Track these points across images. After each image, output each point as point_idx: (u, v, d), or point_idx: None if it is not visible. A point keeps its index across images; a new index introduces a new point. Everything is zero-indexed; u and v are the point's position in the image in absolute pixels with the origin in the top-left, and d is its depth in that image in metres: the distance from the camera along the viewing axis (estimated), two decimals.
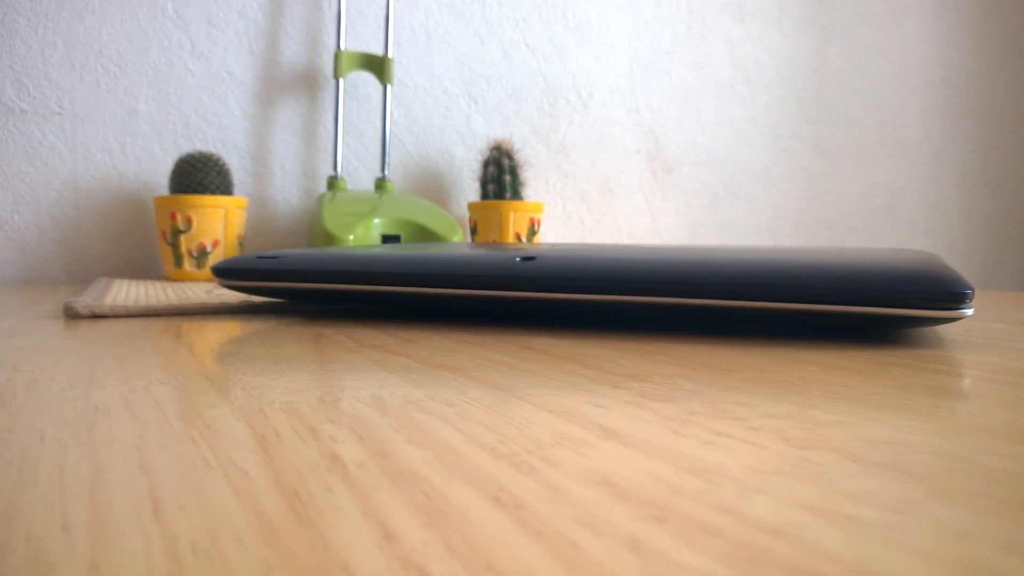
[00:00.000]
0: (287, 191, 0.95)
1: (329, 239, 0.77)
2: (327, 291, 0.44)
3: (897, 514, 0.13)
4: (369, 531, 0.12)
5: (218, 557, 0.11)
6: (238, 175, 0.93)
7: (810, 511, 0.13)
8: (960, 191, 1.38)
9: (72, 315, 0.46)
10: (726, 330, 0.38)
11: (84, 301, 0.47)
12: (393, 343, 0.34)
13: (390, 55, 0.94)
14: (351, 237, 0.78)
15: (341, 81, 0.92)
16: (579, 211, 1.11)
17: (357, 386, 0.24)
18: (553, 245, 0.51)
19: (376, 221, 0.80)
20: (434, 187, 1.02)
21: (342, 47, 0.92)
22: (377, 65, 0.93)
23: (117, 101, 0.87)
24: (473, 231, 0.96)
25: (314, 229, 0.82)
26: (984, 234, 1.41)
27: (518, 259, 0.40)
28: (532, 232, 0.95)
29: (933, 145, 1.35)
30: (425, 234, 0.82)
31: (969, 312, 0.32)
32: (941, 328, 0.39)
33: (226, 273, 0.47)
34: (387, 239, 0.82)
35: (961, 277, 0.32)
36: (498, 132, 1.05)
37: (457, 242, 0.82)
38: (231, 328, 0.40)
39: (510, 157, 0.95)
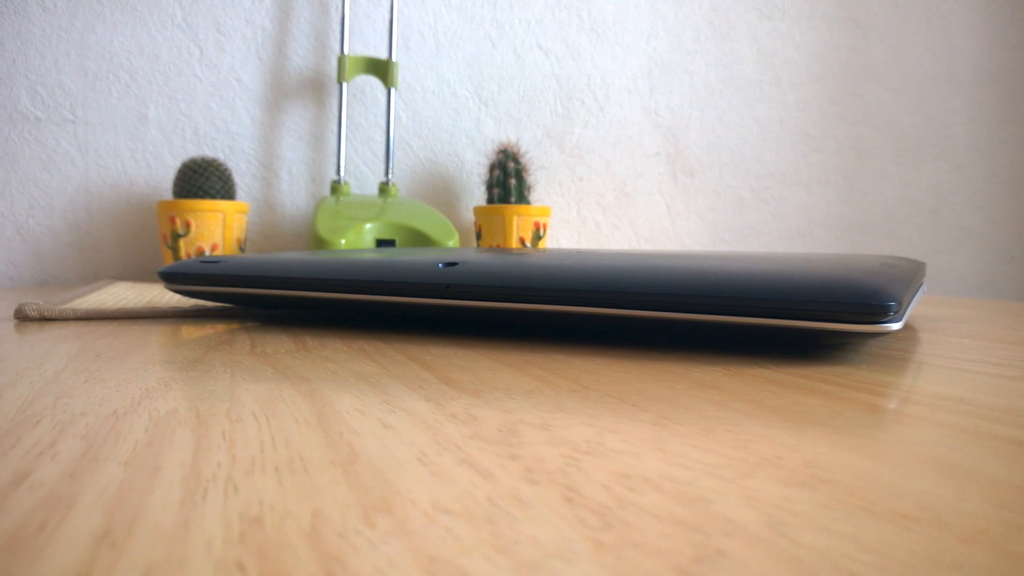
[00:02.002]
0: (294, 195, 0.96)
1: (321, 243, 0.77)
2: (257, 296, 0.44)
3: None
4: None
5: None
6: (246, 180, 0.94)
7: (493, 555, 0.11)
8: (1012, 193, 1.30)
9: (22, 318, 0.47)
10: (649, 342, 0.35)
11: (34, 304, 0.47)
12: (286, 350, 0.32)
13: (394, 59, 0.93)
14: (343, 241, 0.77)
15: (345, 86, 0.92)
16: (594, 215, 1.08)
17: (128, 384, 0.22)
18: (508, 251, 0.49)
19: (368, 226, 0.80)
20: (443, 191, 1.02)
21: (346, 52, 0.92)
22: (381, 69, 0.93)
23: (128, 108, 0.89)
24: (478, 236, 0.94)
25: (310, 233, 0.82)
26: None
27: (440, 265, 0.39)
28: (537, 237, 0.93)
29: (981, 145, 1.28)
30: (420, 238, 0.81)
31: (895, 326, 0.29)
32: (891, 342, 0.36)
33: (171, 277, 0.46)
34: (381, 243, 0.81)
35: (890, 287, 0.29)
36: (509, 135, 1.04)
37: (451, 247, 0.81)
38: (147, 331, 0.39)
39: (516, 160, 0.94)
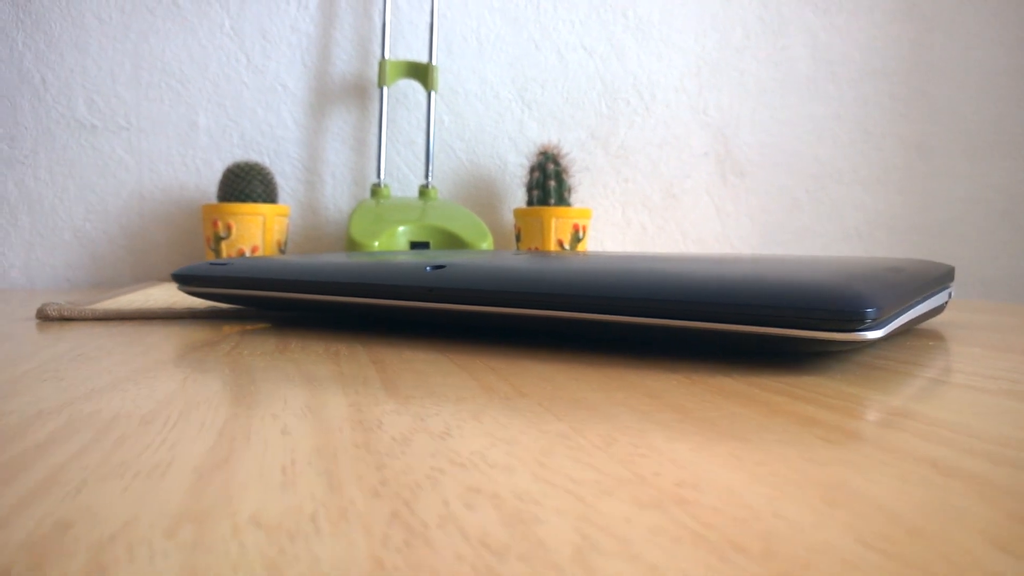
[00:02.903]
0: (337, 198, 0.97)
1: (354, 246, 0.78)
2: (258, 298, 0.44)
3: None
4: None
5: None
6: (291, 183, 0.96)
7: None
8: None
9: (43, 317, 0.49)
10: (634, 348, 0.34)
11: (55, 305, 0.49)
12: (262, 351, 0.33)
13: (434, 63, 0.94)
14: (376, 244, 0.78)
15: (386, 90, 0.93)
16: (639, 217, 1.06)
17: (97, 387, 0.23)
18: (514, 253, 0.49)
19: (401, 229, 0.80)
20: (485, 193, 1.02)
21: (387, 56, 0.93)
22: (422, 73, 0.93)
23: (179, 115, 0.92)
24: (517, 238, 0.94)
25: (346, 236, 0.83)
26: None
27: (428, 268, 0.39)
28: (576, 239, 0.92)
29: None
30: (453, 241, 0.81)
31: (872, 335, 0.27)
32: (890, 351, 0.34)
33: (184, 279, 0.48)
34: (415, 246, 0.82)
35: (869, 294, 0.28)
36: (553, 137, 1.03)
37: (485, 248, 0.81)
38: (148, 332, 0.40)
39: (555, 162, 0.93)
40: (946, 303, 0.43)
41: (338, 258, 0.46)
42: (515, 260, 0.39)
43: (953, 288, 0.45)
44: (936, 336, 0.40)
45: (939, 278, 0.39)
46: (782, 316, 0.28)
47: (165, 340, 0.38)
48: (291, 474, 0.16)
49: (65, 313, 0.49)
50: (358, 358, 0.32)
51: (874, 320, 0.28)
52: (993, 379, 0.27)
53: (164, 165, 0.92)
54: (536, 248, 0.92)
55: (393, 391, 0.24)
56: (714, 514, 0.13)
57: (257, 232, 0.83)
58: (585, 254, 0.45)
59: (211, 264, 0.47)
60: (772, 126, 1.11)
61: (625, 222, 1.06)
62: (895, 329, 0.30)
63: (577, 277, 0.31)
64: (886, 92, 1.14)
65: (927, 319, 0.40)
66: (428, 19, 0.99)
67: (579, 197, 1.04)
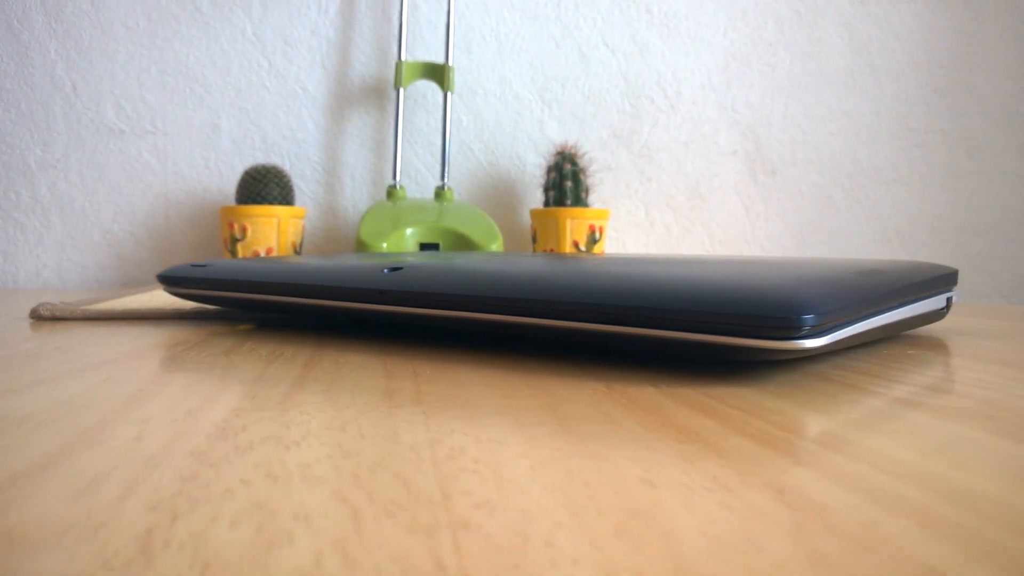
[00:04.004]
0: (356, 200, 0.98)
1: (363, 247, 0.78)
2: (233, 299, 0.44)
3: None
4: None
5: None
6: (310, 186, 0.97)
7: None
8: None
9: (37, 317, 0.50)
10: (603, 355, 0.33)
11: (48, 305, 0.50)
12: (213, 352, 0.32)
13: (451, 63, 0.93)
14: (384, 245, 0.78)
15: (403, 91, 0.93)
16: (664, 218, 1.04)
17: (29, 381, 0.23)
18: (492, 256, 0.48)
19: (410, 230, 0.80)
20: (504, 194, 1.01)
21: (404, 58, 0.93)
22: (438, 74, 0.93)
23: (202, 119, 0.94)
24: (534, 239, 0.93)
25: (355, 237, 0.83)
26: None
27: (386, 271, 0.38)
28: (593, 240, 0.90)
29: None
30: (463, 242, 0.81)
31: (811, 344, 0.25)
32: (864, 361, 0.32)
33: (168, 280, 0.48)
34: (425, 247, 0.81)
35: (808, 300, 0.26)
36: (574, 136, 1.02)
37: (494, 251, 0.80)
38: (127, 331, 0.41)
39: (572, 162, 0.91)
40: (944, 308, 0.41)
41: (308, 260, 0.45)
42: (469, 263, 0.38)
43: (956, 293, 0.42)
44: (923, 344, 0.37)
45: (927, 283, 0.37)
46: (714, 322, 0.26)
47: (134, 339, 0.38)
48: (99, 483, 0.15)
49: (57, 313, 0.50)
50: (295, 360, 0.31)
51: (814, 328, 0.26)
52: (964, 398, 0.25)
53: (188, 168, 0.94)
54: (552, 250, 0.90)
55: (289, 397, 0.24)
56: (485, 542, 0.12)
57: (272, 234, 0.84)
58: (546, 257, 0.44)
59: (192, 266, 0.48)
60: (805, 123, 1.07)
61: (649, 223, 1.04)
62: (844, 339, 0.28)
63: (508, 280, 0.30)
64: (929, 86, 1.09)
65: (913, 326, 0.37)
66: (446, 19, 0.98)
67: (600, 197, 1.02)
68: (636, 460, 0.17)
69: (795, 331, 0.25)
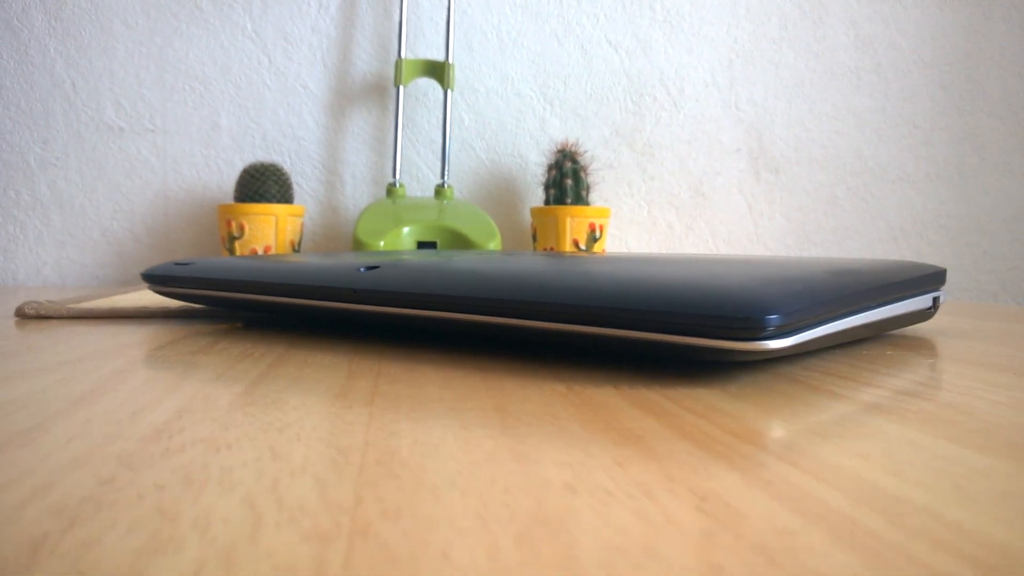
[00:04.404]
0: (357, 198, 0.98)
1: (360, 245, 0.78)
2: (214, 298, 0.44)
3: None
4: None
5: None
6: (311, 183, 0.97)
7: None
8: None
9: (22, 315, 0.50)
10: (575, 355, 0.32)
11: (33, 304, 0.51)
12: (189, 350, 0.32)
13: (451, 61, 0.93)
14: (381, 243, 0.78)
15: (403, 89, 0.93)
16: (667, 216, 1.03)
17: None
18: (480, 255, 0.47)
19: (407, 229, 0.80)
20: (506, 192, 1.00)
21: (404, 55, 0.93)
22: (438, 71, 0.93)
23: (202, 117, 0.94)
24: (534, 238, 0.92)
25: (352, 236, 0.83)
26: None
27: (362, 269, 0.38)
28: (593, 239, 0.90)
29: None
30: (461, 241, 0.80)
31: (776, 345, 0.25)
32: (827, 359, 0.31)
33: (151, 279, 0.48)
34: (422, 246, 0.81)
35: (770, 300, 0.25)
36: (576, 134, 1.01)
37: (491, 249, 0.79)
38: (104, 329, 0.40)
39: (573, 160, 0.91)
40: (931, 308, 0.40)
41: (289, 259, 0.45)
42: (443, 262, 0.37)
43: (944, 292, 0.41)
44: (906, 345, 0.37)
45: (909, 282, 0.36)
46: (677, 322, 0.25)
47: (110, 338, 0.38)
48: (10, 487, 0.15)
49: (42, 312, 0.50)
50: (263, 360, 0.31)
51: (779, 328, 0.25)
52: (928, 401, 0.24)
53: (187, 166, 0.94)
54: (551, 248, 0.90)
55: (241, 398, 0.23)
56: (379, 551, 0.12)
57: (270, 232, 0.84)
58: (518, 256, 0.43)
59: (175, 264, 0.48)
60: (810, 120, 1.06)
61: (651, 221, 1.03)
62: (814, 340, 0.27)
63: (473, 280, 0.30)
64: (936, 83, 1.07)
65: (897, 326, 0.37)
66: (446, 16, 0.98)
67: (602, 195, 1.01)
68: (566, 464, 0.16)
69: (759, 331, 0.25)
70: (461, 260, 0.37)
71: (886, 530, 0.12)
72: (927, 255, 1.08)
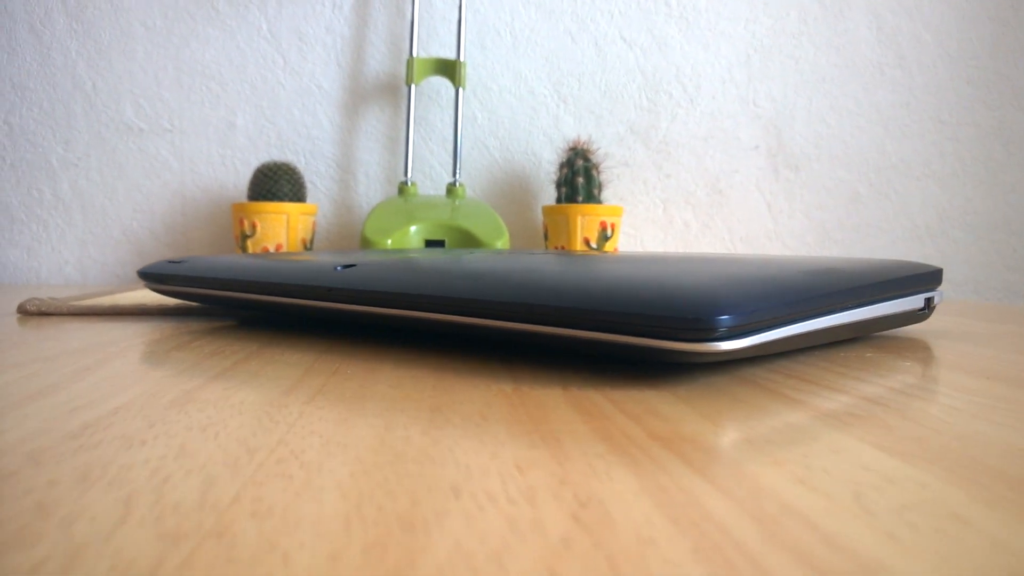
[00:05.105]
0: (370, 196, 0.98)
1: (367, 243, 0.78)
2: (205, 296, 0.45)
3: None
4: None
5: None
6: (324, 182, 0.98)
7: None
8: None
9: (24, 312, 0.51)
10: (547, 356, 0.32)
11: (35, 300, 0.52)
12: (166, 348, 0.33)
13: (463, 59, 0.93)
14: (388, 242, 0.78)
15: (415, 87, 0.93)
16: (683, 214, 1.02)
17: None
18: (464, 253, 0.47)
19: (414, 227, 0.80)
20: (519, 191, 1.00)
21: (416, 54, 0.93)
22: (450, 70, 0.93)
23: (219, 117, 0.96)
24: (545, 236, 0.92)
25: (360, 234, 0.83)
26: None
27: (338, 268, 0.38)
28: (604, 238, 0.89)
29: None
30: (469, 239, 0.80)
31: (727, 346, 0.24)
32: (800, 361, 0.30)
33: (147, 277, 0.49)
34: (431, 244, 0.81)
35: (724, 301, 0.25)
36: (590, 132, 1.00)
37: (500, 248, 0.79)
38: (99, 325, 0.41)
39: (585, 158, 0.90)
40: (923, 309, 0.39)
41: (279, 257, 0.46)
42: (414, 261, 0.37)
43: (939, 293, 0.40)
44: (891, 347, 0.36)
45: (895, 282, 0.35)
46: (625, 322, 0.25)
47: (100, 335, 0.38)
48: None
49: (43, 308, 0.51)
50: (231, 357, 0.31)
51: (732, 329, 0.24)
52: (882, 407, 0.23)
53: (204, 165, 0.96)
54: (562, 247, 0.89)
55: (188, 395, 0.24)
56: (224, 553, 0.12)
57: (281, 230, 0.85)
58: (488, 255, 0.43)
59: (169, 262, 0.48)
60: (831, 116, 1.03)
61: (667, 220, 1.02)
62: (775, 341, 0.26)
63: (435, 278, 0.30)
64: (962, 77, 1.05)
65: (884, 327, 0.36)
66: (462, 15, 0.98)
67: (616, 193, 1.00)
68: (465, 467, 0.16)
69: (709, 332, 0.24)
70: (429, 259, 0.37)
71: (754, 541, 0.12)
72: (952, 253, 1.06)
